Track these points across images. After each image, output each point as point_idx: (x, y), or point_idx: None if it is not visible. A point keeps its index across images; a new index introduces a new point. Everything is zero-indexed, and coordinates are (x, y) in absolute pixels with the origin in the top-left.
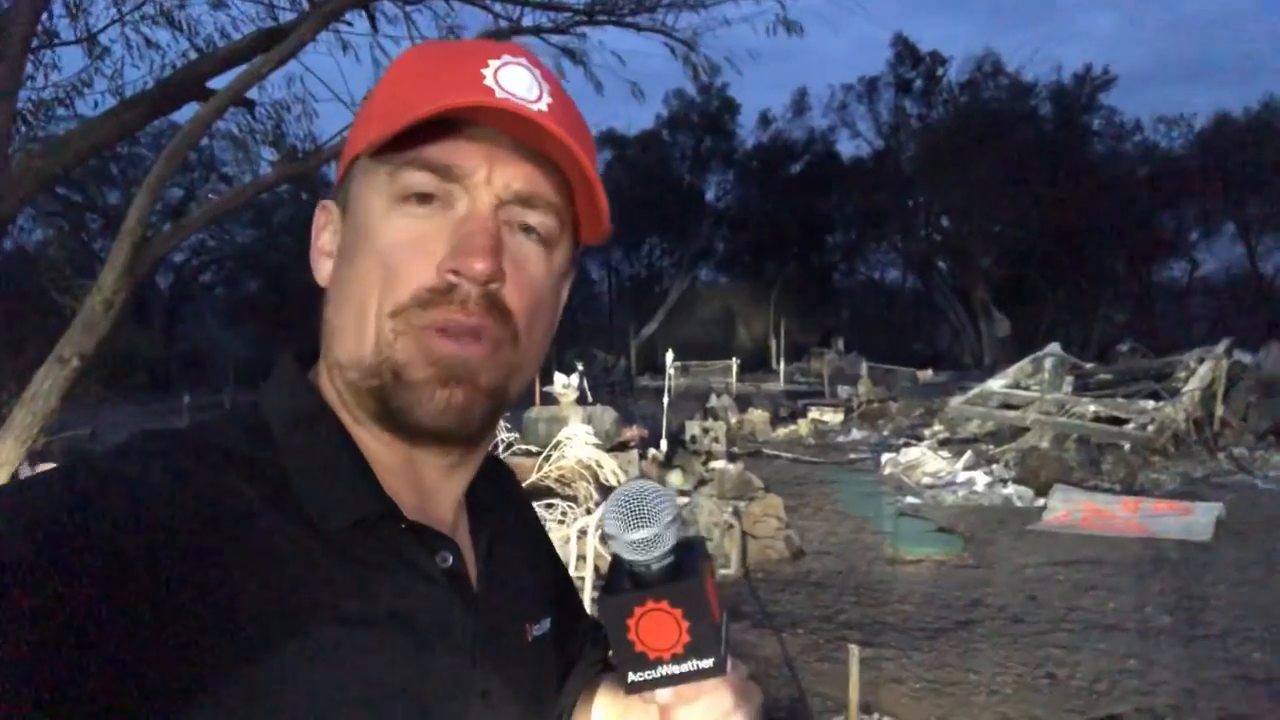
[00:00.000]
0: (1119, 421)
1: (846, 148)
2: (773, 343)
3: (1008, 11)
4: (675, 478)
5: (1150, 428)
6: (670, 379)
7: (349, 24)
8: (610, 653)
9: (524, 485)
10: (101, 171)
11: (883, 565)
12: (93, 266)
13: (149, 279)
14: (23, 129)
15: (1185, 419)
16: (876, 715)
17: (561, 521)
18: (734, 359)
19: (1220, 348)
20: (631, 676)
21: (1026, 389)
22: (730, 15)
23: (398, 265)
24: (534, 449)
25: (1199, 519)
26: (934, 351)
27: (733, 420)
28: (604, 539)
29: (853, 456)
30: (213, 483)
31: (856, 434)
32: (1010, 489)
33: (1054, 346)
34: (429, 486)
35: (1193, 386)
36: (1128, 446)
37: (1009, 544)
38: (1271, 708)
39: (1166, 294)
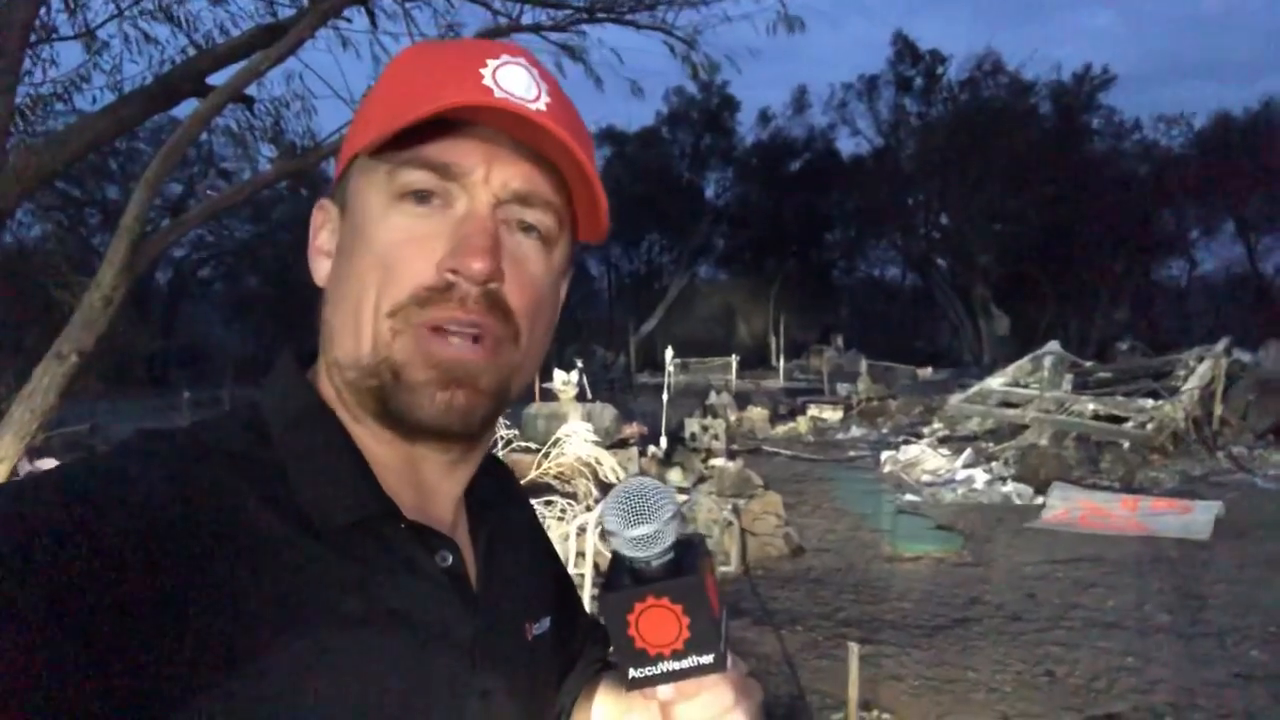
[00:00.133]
0: (1118, 420)
1: (846, 145)
2: (772, 340)
3: (1008, 10)
4: (675, 475)
5: (1149, 426)
6: (670, 376)
7: (348, 20)
8: (610, 650)
9: (523, 482)
10: (100, 167)
11: (882, 563)
12: (92, 262)
13: (148, 275)
14: (21, 124)
15: (1184, 417)
16: (876, 712)
17: (561, 518)
18: (733, 356)
19: (1219, 346)
20: (632, 673)
21: (1026, 387)
22: (730, 12)
23: (396, 264)
24: (533, 446)
25: (1198, 517)
26: (934, 349)
27: (732, 417)
28: (604, 535)
29: (852, 454)
30: (212, 483)
31: (856, 431)
32: (1009, 487)
33: (1053, 344)
34: (429, 485)
35: (1192, 385)
36: (1127, 445)
37: (1008, 542)
38: (1270, 706)
39: (1166, 292)
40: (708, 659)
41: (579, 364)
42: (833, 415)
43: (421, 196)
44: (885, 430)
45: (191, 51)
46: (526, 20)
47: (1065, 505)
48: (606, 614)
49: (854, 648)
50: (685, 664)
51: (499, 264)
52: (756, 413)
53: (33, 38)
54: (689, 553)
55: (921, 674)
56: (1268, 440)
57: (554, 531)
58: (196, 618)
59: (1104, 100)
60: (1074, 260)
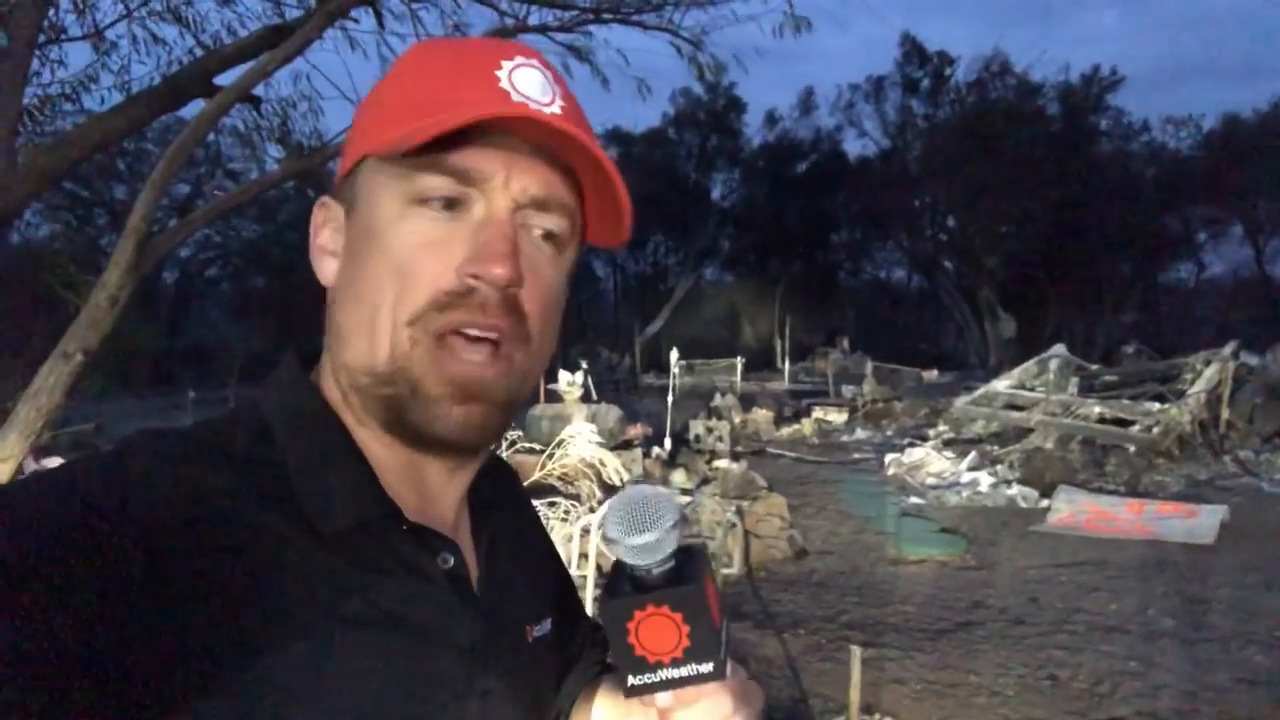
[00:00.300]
0: (1124, 423)
1: (853, 147)
2: (777, 342)
3: (1016, 12)
4: (679, 476)
5: (1155, 430)
6: (674, 377)
7: (355, 21)
8: (610, 654)
9: (527, 483)
10: (108, 167)
11: (885, 566)
12: (99, 262)
13: (155, 274)
14: (29, 124)
15: (1190, 421)
16: (878, 716)
17: (564, 520)
18: (739, 358)
19: (1226, 350)
20: (631, 680)
21: (1031, 390)
22: (738, 13)
23: (414, 269)
24: (537, 446)
25: (1203, 521)
26: (939, 351)
27: (737, 419)
28: (606, 541)
29: (857, 456)
30: (214, 483)
31: (861, 434)
32: (1014, 490)
33: (1059, 347)
34: (431, 488)
35: (1198, 389)
36: (1132, 448)
37: (1012, 545)
38: (1274, 711)
39: (1173, 296)
40: (707, 667)
41: (584, 365)
42: (838, 417)
43: (439, 201)
44: (890, 433)
45: (199, 52)
46: (533, 21)
47: (1070, 509)
48: (607, 620)
49: (856, 651)
50: (684, 672)
51: (520, 270)
52: (761, 414)
53: (41, 38)
54: (690, 560)
55: (924, 677)
56: (1274, 444)
57: (557, 533)
58: (198, 618)
59: (1112, 102)
60: (1080, 263)
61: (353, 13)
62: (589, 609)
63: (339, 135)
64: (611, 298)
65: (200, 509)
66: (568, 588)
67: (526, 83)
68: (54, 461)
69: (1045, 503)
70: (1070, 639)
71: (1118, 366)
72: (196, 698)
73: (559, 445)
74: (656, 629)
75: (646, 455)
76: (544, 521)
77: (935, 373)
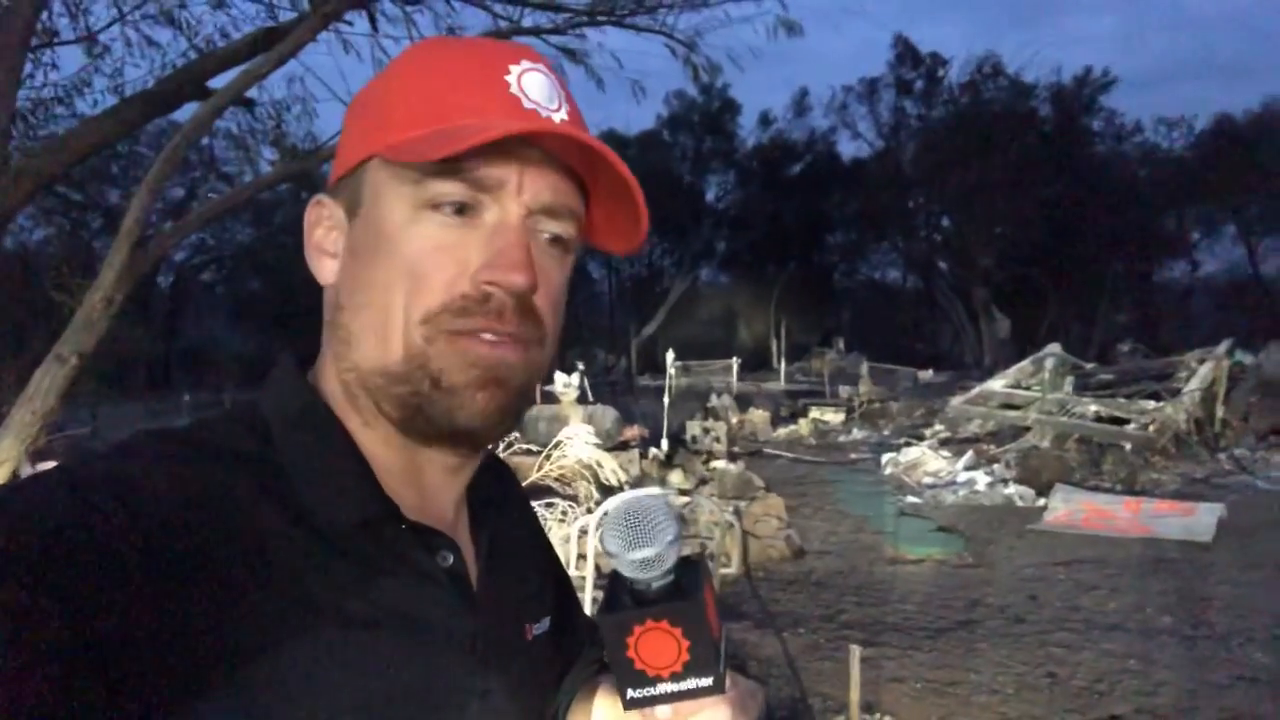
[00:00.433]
0: (1120, 422)
1: (847, 148)
2: (774, 342)
3: (1008, 13)
4: (676, 477)
5: (1151, 428)
6: (671, 378)
7: (349, 24)
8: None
9: (524, 484)
10: (102, 171)
11: (884, 565)
12: (93, 266)
13: (149, 278)
14: (22, 127)
15: (1186, 419)
16: (878, 715)
17: (562, 520)
18: (735, 359)
19: (1221, 348)
20: (630, 693)
21: (1027, 389)
22: (731, 14)
23: (428, 272)
24: (535, 448)
25: (1200, 519)
26: (935, 351)
27: (733, 420)
28: (606, 554)
29: (854, 456)
30: (213, 483)
31: (857, 434)
32: (1011, 489)
33: (1054, 347)
34: (430, 487)
35: (1194, 387)
36: (1129, 447)
37: (1010, 544)
38: (1273, 708)
39: (1167, 294)
40: (706, 681)
41: (580, 367)
42: (834, 417)
43: (452, 206)
44: (887, 432)
45: (193, 55)
46: (527, 23)
47: (1067, 507)
48: (606, 634)
49: (856, 650)
50: (684, 686)
51: (536, 276)
52: (758, 415)
53: (34, 41)
54: (689, 573)
55: (923, 676)
56: (1269, 442)
57: (555, 534)
58: (198, 618)
59: (1105, 103)
60: (1075, 262)
61: (346, 15)
62: (587, 610)
63: (333, 138)
64: (607, 299)
65: (199, 509)
66: (566, 586)
67: (535, 88)
68: (50, 465)
69: (1042, 501)
70: (1069, 637)
71: (1113, 365)
72: (196, 698)
73: (556, 446)
74: (656, 643)
75: (643, 456)
76: (541, 522)
77: (931, 372)
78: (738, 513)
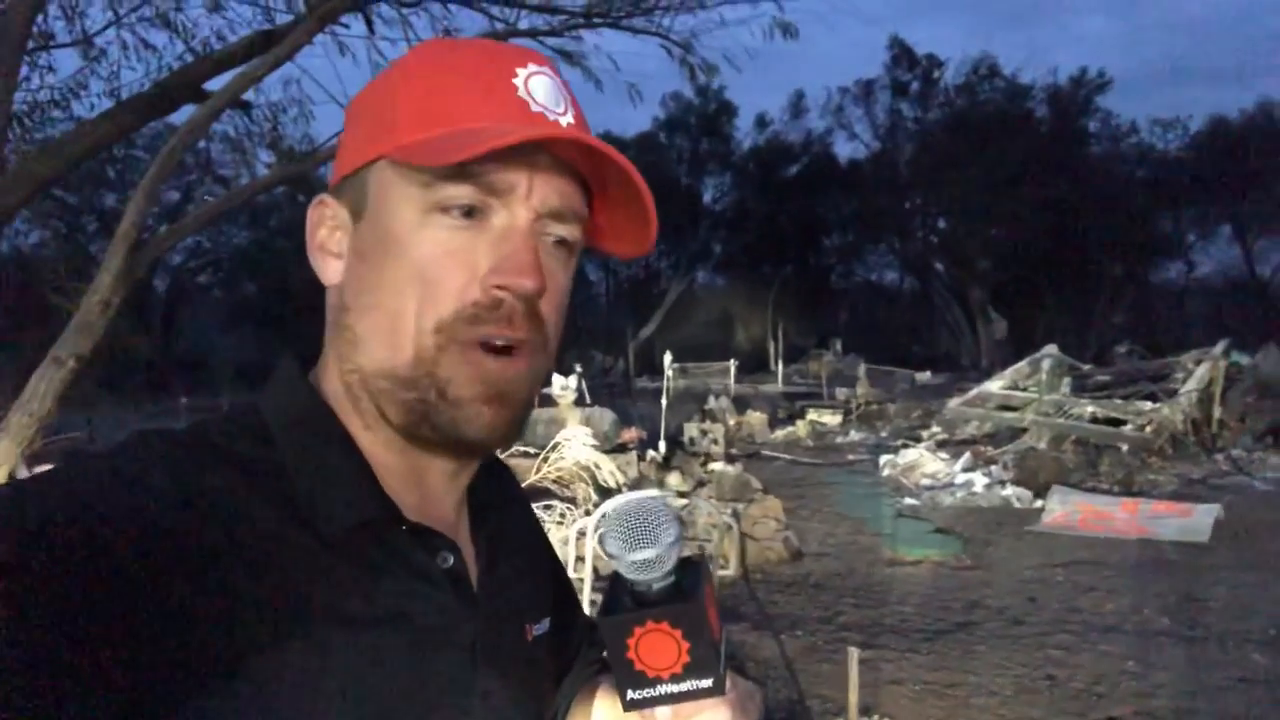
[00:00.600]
0: (1117, 423)
1: (843, 150)
2: (771, 344)
3: (1004, 15)
4: (674, 479)
5: (1148, 429)
6: (668, 381)
7: (345, 26)
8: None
9: (522, 486)
10: (98, 174)
11: (882, 567)
12: (90, 269)
13: (146, 281)
14: (18, 131)
15: (1183, 420)
16: (876, 717)
17: (560, 523)
18: (732, 361)
19: (1218, 349)
20: (630, 694)
21: (1024, 390)
22: (727, 17)
23: (439, 278)
24: (532, 450)
25: (1198, 520)
26: (932, 353)
27: (731, 422)
28: (606, 556)
29: (851, 458)
30: (212, 484)
31: (855, 435)
32: (1009, 490)
33: (1051, 348)
34: (431, 488)
35: (1190, 388)
36: (1126, 448)
37: (1008, 545)
38: (1271, 709)
39: (1164, 295)
40: (707, 682)
41: (578, 369)
42: (832, 419)
43: (460, 209)
44: (884, 434)
45: (189, 58)
46: (523, 25)
47: (1064, 508)
48: (606, 635)
49: (854, 652)
50: (684, 687)
51: (544, 280)
52: (755, 417)
53: (30, 44)
54: (690, 574)
55: (922, 678)
56: (1266, 442)
57: (553, 536)
58: (197, 619)
59: (1100, 104)
60: (1071, 264)
61: (342, 18)
62: (586, 611)
63: (330, 140)
64: (605, 301)
65: (198, 509)
66: (565, 586)
67: (542, 91)
68: (47, 469)
69: (1040, 503)
70: (1068, 639)
71: (1110, 366)
72: (196, 698)
73: (554, 449)
74: (656, 645)
75: (641, 458)
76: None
77: (928, 374)
78: (735, 515)
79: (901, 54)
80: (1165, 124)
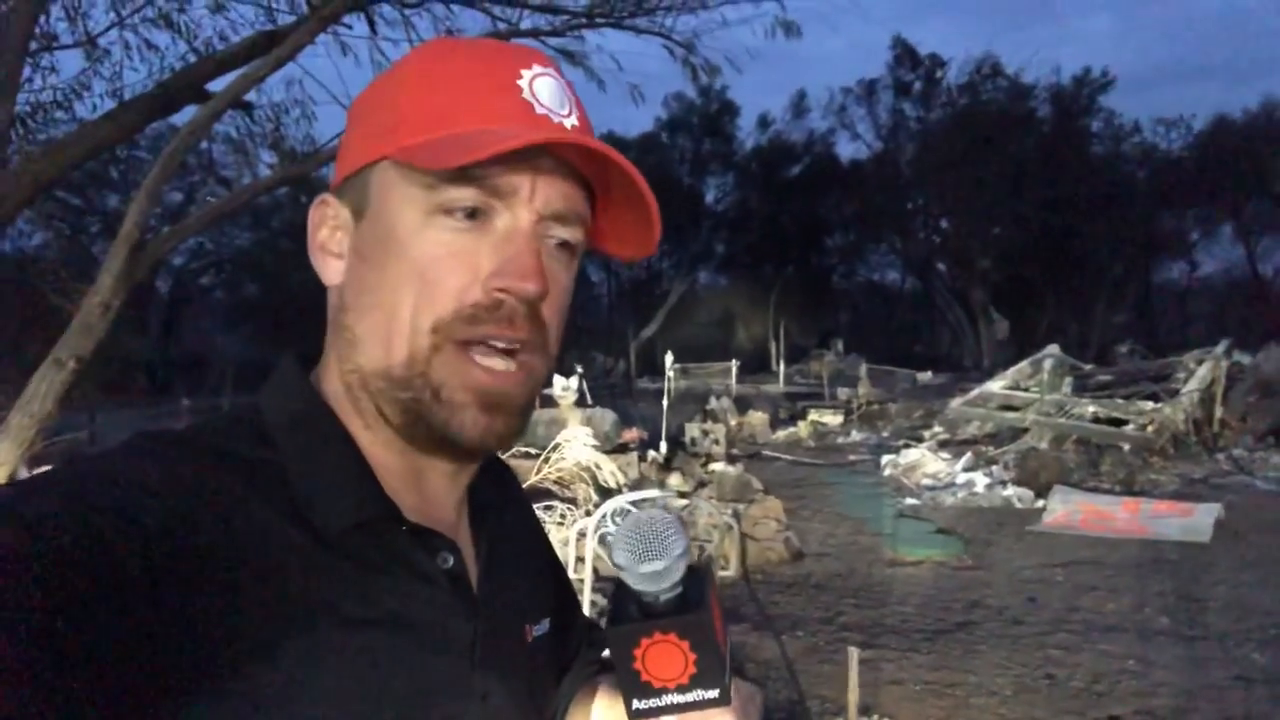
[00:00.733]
0: (1118, 423)
1: (845, 150)
2: (772, 345)
3: (1007, 14)
4: (675, 480)
5: (1150, 429)
6: (670, 381)
7: (348, 27)
8: (614, 677)
9: (523, 487)
10: (101, 175)
11: (882, 567)
12: (92, 271)
13: (148, 283)
14: (21, 131)
15: (1184, 420)
16: (876, 717)
17: (560, 524)
18: (733, 361)
19: (1219, 349)
20: (636, 704)
21: (1026, 390)
22: (729, 17)
23: (439, 278)
24: (533, 451)
25: (1198, 520)
26: (933, 353)
27: (732, 422)
28: (614, 567)
29: (852, 458)
30: (212, 484)
31: (856, 436)
32: (1010, 490)
33: (1053, 348)
34: (431, 489)
35: (1192, 387)
36: (1127, 448)
37: (1009, 545)
38: (1271, 708)
39: (1166, 295)
40: (713, 693)
41: (579, 370)
42: (833, 420)
43: (463, 211)
44: (885, 434)
45: (192, 59)
46: (525, 25)
47: (1065, 508)
48: (612, 645)
49: (854, 652)
50: (690, 698)
51: (547, 283)
52: (757, 417)
53: (33, 46)
54: (696, 584)
55: (922, 678)
56: (1267, 442)
57: (554, 537)
58: (196, 620)
59: (1103, 103)
60: (1073, 263)
61: (345, 18)
62: (585, 612)
63: (331, 140)
64: (606, 302)
65: (198, 510)
66: (566, 587)
67: (546, 93)
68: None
69: (1041, 503)
70: (1068, 638)
71: (1111, 366)
72: (195, 699)
73: (555, 449)
74: (663, 655)
75: (642, 459)
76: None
77: (930, 374)
78: (736, 515)
79: (904, 53)
80: (1168, 123)
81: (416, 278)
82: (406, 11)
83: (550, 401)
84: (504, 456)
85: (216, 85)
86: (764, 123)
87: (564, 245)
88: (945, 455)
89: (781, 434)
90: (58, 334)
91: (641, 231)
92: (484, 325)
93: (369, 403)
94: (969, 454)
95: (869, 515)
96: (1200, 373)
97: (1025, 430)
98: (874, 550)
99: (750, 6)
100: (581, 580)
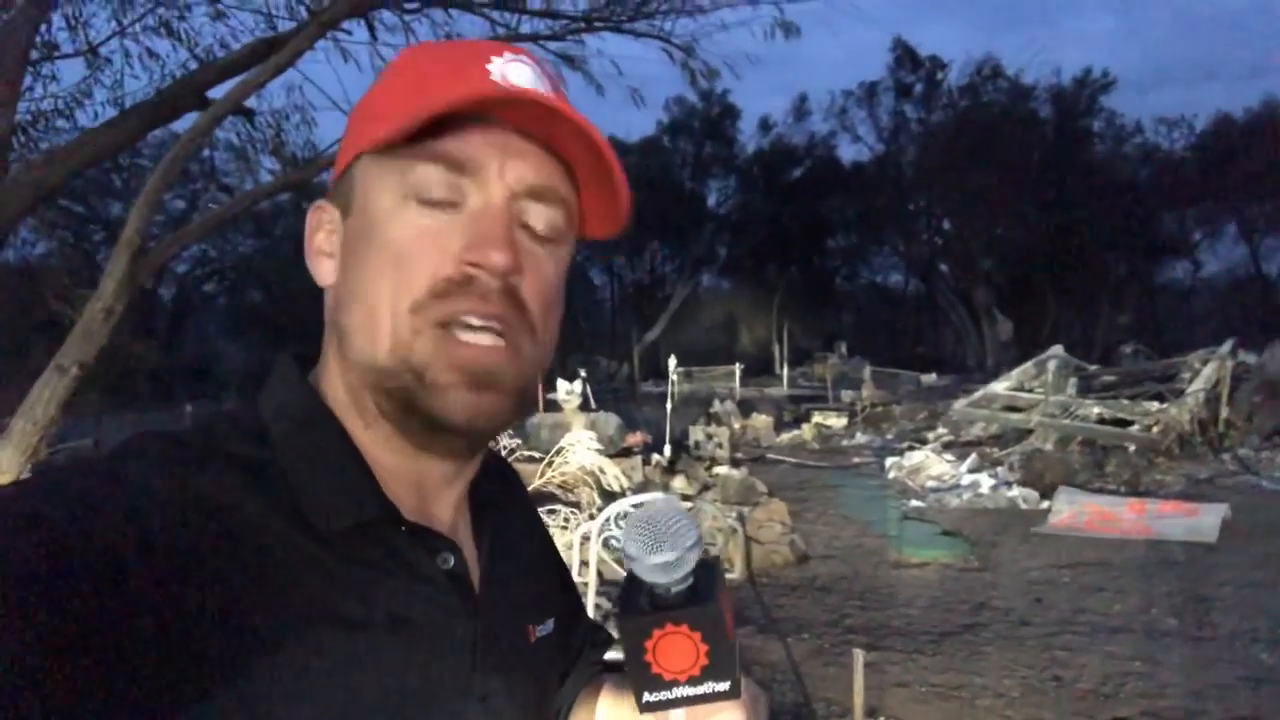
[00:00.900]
0: (1123, 423)
1: (847, 152)
2: (776, 347)
3: (1007, 15)
4: (679, 483)
5: (1155, 429)
6: (673, 384)
7: (348, 33)
8: (615, 657)
9: (527, 489)
10: (103, 183)
11: (888, 569)
12: (95, 278)
13: (152, 289)
14: (23, 139)
15: (1190, 420)
16: (881, 719)
17: (564, 528)
18: (737, 364)
19: (1224, 348)
20: (646, 697)
21: (1030, 391)
22: (728, 20)
23: (413, 259)
24: (537, 454)
25: (1205, 520)
26: (937, 355)
27: (736, 425)
28: (625, 558)
29: (857, 460)
30: (212, 485)
31: (860, 438)
32: (1015, 491)
33: (1057, 349)
34: (431, 489)
35: (1197, 388)
36: (1132, 448)
37: (1014, 547)
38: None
39: (1170, 295)
40: (723, 685)
41: (582, 373)
42: (837, 422)
43: (436, 193)
44: (890, 436)
45: (192, 66)
46: (525, 30)
47: (1071, 510)
48: (624, 637)
49: (859, 654)
50: (701, 690)
51: (519, 258)
52: (761, 420)
53: (34, 55)
54: (706, 577)
55: (928, 680)
56: (1274, 442)
57: (557, 540)
58: (196, 621)
59: (1104, 103)
60: (1077, 264)
61: (345, 24)
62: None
63: (332, 146)
64: (609, 306)
65: (198, 510)
66: (569, 587)
67: (517, 76)
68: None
69: (1046, 504)
70: (1074, 640)
71: (1116, 366)
72: (194, 699)
73: (558, 453)
74: (674, 647)
75: (646, 463)
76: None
77: (934, 376)
78: (741, 518)
79: (905, 55)
80: (1170, 123)
81: (392, 263)
82: (406, 17)
83: (554, 405)
84: (508, 460)
85: (217, 92)
86: (765, 126)
87: (546, 227)
88: (950, 457)
89: (786, 437)
90: (61, 341)
91: (607, 204)
92: (456, 300)
93: (367, 401)
94: (974, 455)
95: (874, 517)
96: (1205, 373)
97: (1030, 431)
98: (879, 552)
99: (749, 9)
100: (585, 584)
